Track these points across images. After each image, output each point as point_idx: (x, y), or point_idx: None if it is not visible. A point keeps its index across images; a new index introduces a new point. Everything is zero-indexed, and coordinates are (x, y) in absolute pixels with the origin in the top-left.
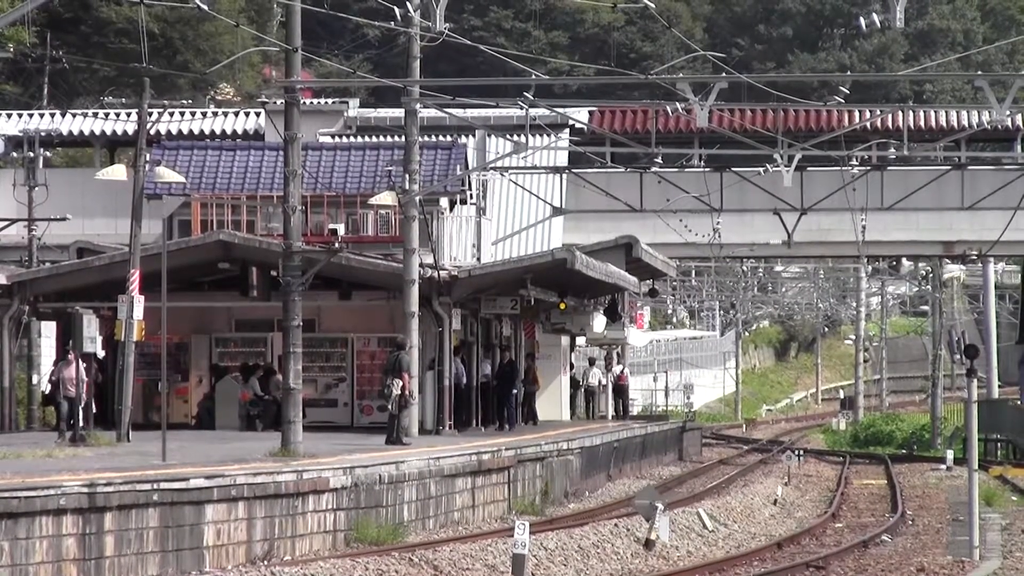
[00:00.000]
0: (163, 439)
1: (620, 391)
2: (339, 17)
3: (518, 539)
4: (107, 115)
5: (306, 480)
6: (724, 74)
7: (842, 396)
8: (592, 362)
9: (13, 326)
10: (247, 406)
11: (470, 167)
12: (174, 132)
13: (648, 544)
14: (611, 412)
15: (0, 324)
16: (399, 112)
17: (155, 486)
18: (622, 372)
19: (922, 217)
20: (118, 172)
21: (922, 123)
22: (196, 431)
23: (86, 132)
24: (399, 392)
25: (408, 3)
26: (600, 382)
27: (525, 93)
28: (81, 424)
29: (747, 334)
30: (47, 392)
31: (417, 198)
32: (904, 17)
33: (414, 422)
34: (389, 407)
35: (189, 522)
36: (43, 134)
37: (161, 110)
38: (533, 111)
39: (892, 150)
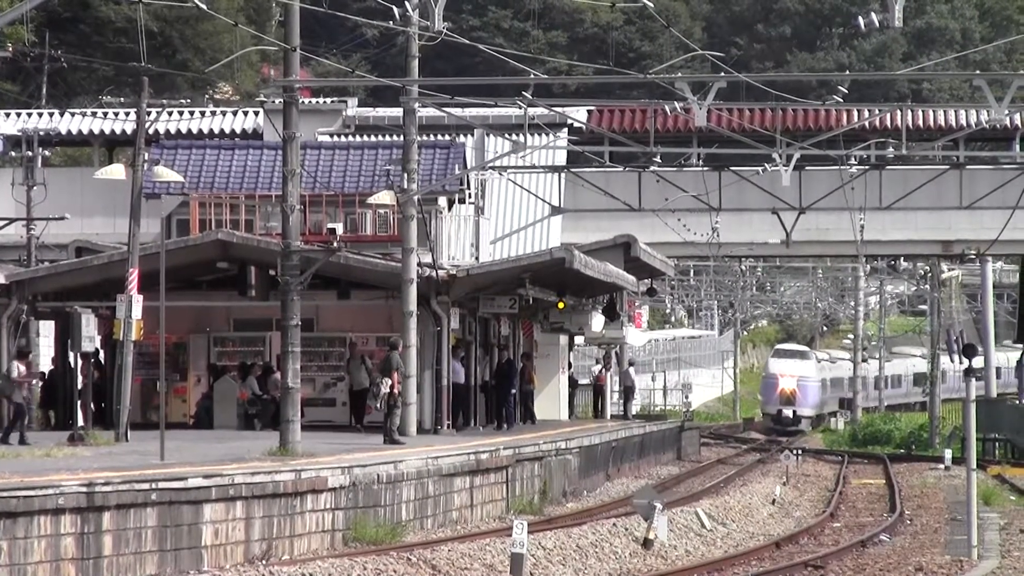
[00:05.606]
0: (161, 438)
1: (599, 391)
2: (337, 16)
3: (516, 538)
4: (106, 114)
5: (304, 479)
6: (723, 73)
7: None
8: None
9: (11, 325)
10: (245, 405)
11: (468, 166)
12: (173, 131)
13: (646, 543)
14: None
15: None
16: (398, 111)
17: (153, 485)
18: (600, 372)
19: (920, 216)
20: (117, 171)
21: (920, 122)
22: (194, 430)
23: (85, 131)
24: (388, 391)
25: (407, 2)
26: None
27: (524, 92)
28: (80, 423)
29: (745, 333)
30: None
31: (415, 197)
32: (902, 16)
33: (412, 421)
34: (377, 405)
35: (187, 521)
36: (42, 133)
37: (160, 109)
38: (532, 110)
39: (890, 149)
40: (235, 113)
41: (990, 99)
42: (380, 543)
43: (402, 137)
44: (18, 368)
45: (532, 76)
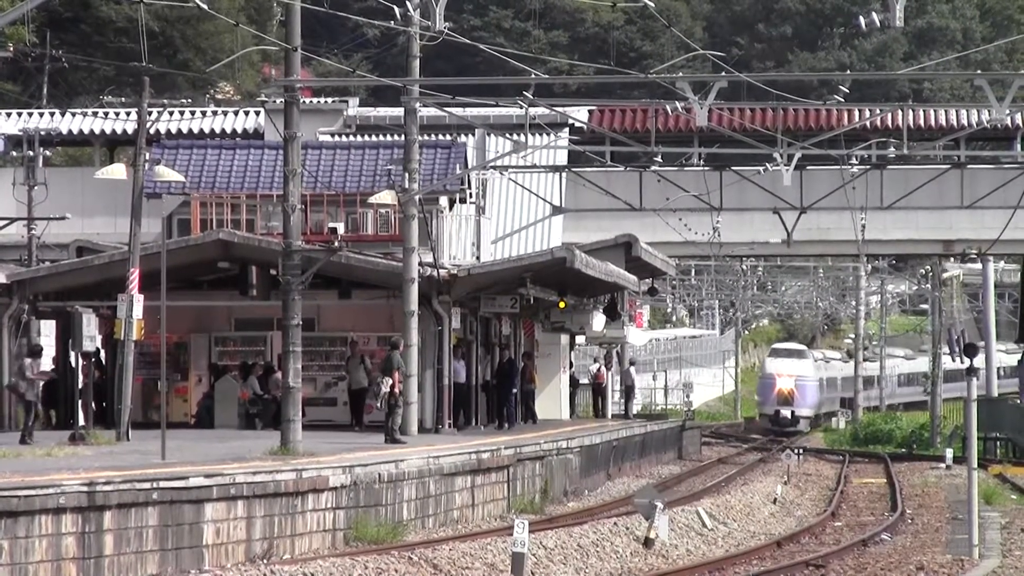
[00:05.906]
0: (163, 438)
1: (598, 390)
2: (338, 16)
3: (517, 538)
4: (107, 114)
5: (305, 479)
6: (724, 73)
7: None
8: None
9: (13, 325)
10: (246, 405)
11: (470, 166)
12: (174, 131)
13: (647, 543)
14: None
15: None
16: (399, 111)
17: (154, 485)
18: (598, 371)
19: (921, 216)
20: (118, 171)
21: (921, 122)
22: (195, 430)
23: (86, 131)
24: (388, 390)
25: (408, 2)
26: None
27: (525, 92)
28: (81, 422)
29: (746, 333)
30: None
31: (417, 197)
32: (903, 16)
33: (413, 421)
34: (377, 405)
35: (188, 521)
36: (43, 133)
37: (161, 109)
38: (533, 110)
39: (891, 149)
40: (236, 113)
41: (991, 99)
42: (381, 542)
43: (403, 137)
44: (32, 366)
45: (533, 76)
